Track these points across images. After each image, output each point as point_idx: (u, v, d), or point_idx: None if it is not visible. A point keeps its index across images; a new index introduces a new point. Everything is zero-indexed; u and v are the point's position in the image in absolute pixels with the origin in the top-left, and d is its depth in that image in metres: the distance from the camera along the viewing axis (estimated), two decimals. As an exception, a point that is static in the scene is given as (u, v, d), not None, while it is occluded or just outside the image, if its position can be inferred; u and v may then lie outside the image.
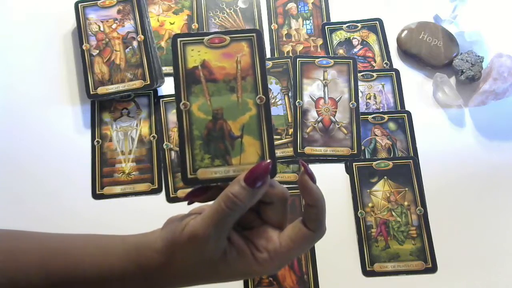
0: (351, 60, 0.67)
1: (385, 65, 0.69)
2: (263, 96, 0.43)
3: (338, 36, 0.71)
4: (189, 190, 0.42)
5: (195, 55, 0.43)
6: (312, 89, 0.66)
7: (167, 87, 0.67)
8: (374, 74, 0.68)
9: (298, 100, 0.65)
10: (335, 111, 0.65)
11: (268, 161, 0.39)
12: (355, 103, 0.65)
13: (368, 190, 0.62)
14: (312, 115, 0.65)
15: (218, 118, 0.42)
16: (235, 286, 0.58)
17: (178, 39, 0.43)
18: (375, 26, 0.71)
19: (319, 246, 0.59)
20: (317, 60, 0.67)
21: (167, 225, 0.42)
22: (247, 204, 0.38)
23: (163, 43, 0.69)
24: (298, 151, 0.64)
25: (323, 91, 0.66)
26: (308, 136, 0.64)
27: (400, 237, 0.60)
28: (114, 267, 0.42)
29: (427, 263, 0.59)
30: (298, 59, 0.67)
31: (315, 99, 0.66)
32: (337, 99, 0.66)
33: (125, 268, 0.42)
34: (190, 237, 0.39)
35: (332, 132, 0.64)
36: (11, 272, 0.42)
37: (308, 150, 0.64)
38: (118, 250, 0.43)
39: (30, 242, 0.45)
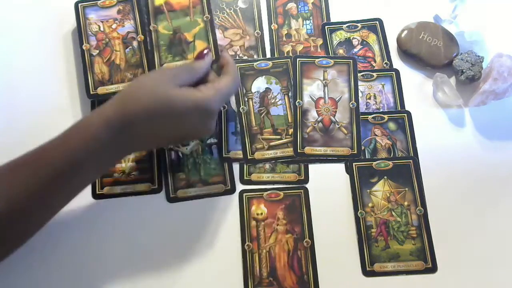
0: (351, 60, 0.67)
1: (385, 65, 0.69)
2: (208, 15, 0.64)
3: (338, 36, 0.71)
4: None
5: None
6: (312, 89, 0.66)
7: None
8: (374, 74, 0.68)
9: (298, 100, 0.65)
10: (335, 111, 0.65)
11: (206, 53, 0.60)
12: (355, 103, 0.65)
13: (368, 190, 0.62)
14: (312, 115, 0.65)
15: (177, 32, 0.64)
16: (235, 286, 0.58)
17: None
18: (375, 26, 0.71)
19: (319, 246, 0.60)
20: (317, 60, 0.67)
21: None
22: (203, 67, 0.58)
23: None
24: (298, 151, 0.63)
25: (323, 91, 0.66)
26: (308, 136, 0.64)
27: (400, 237, 0.60)
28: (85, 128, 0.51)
29: (427, 263, 0.59)
30: (298, 59, 0.67)
31: (315, 99, 0.66)
32: (337, 99, 0.66)
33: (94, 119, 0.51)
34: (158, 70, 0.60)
35: (332, 132, 0.64)
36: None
37: (308, 150, 0.63)
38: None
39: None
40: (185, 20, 0.65)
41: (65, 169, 0.49)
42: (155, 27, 0.65)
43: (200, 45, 0.63)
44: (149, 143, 0.56)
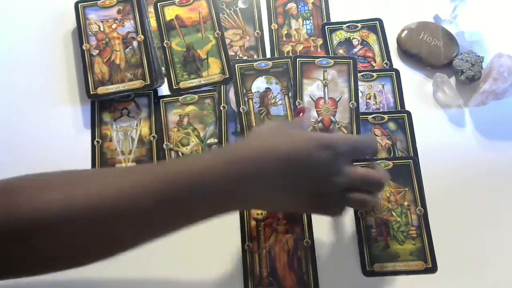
0: (351, 60, 0.67)
1: (385, 65, 0.69)
2: (219, 31, 0.68)
3: (338, 36, 0.71)
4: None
5: (170, 12, 0.69)
6: (312, 89, 0.66)
7: (167, 87, 0.67)
8: (374, 74, 0.68)
9: (298, 100, 0.65)
10: (335, 111, 0.65)
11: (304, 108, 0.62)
12: (355, 103, 0.65)
13: (368, 190, 0.62)
14: (312, 115, 0.65)
15: (190, 49, 0.68)
16: (235, 286, 0.58)
17: (158, 4, 0.69)
18: (375, 26, 0.71)
19: (319, 246, 0.60)
20: (317, 60, 0.67)
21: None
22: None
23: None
24: None
25: (323, 91, 0.66)
26: None
27: (400, 237, 0.60)
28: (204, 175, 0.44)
29: (427, 263, 0.59)
30: (298, 59, 0.67)
31: (315, 99, 0.65)
32: (337, 99, 0.65)
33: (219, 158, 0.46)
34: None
35: (332, 132, 0.64)
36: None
37: None
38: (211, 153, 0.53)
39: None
40: (197, 37, 0.68)
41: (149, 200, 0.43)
42: (168, 43, 0.67)
43: (213, 62, 0.67)
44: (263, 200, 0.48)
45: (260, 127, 0.54)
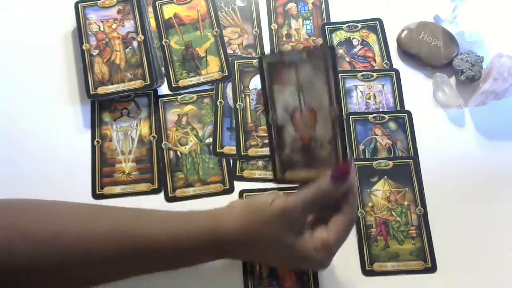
0: (329, 51, 0.48)
1: (385, 65, 0.69)
2: (218, 30, 0.68)
3: (338, 36, 0.71)
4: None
5: (169, 10, 0.69)
6: (285, 97, 0.51)
7: (166, 85, 0.67)
8: (374, 74, 0.68)
9: (271, 115, 0.51)
10: (315, 124, 0.50)
11: (350, 164, 0.47)
12: (337, 110, 0.49)
13: (368, 190, 0.62)
14: (289, 131, 0.51)
15: (189, 47, 0.67)
16: (235, 286, 0.58)
17: (157, 2, 0.70)
18: (375, 26, 0.71)
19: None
20: (286, 57, 0.51)
21: (242, 201, 0.53)
22: (331, 195, 0.47)
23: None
24: (278, 177, 0.52)
25: (299, 98, 0.50)
26: (286, 158, 0.52)
27: (399, 237, 0.60)
28: (190, 232, 0.47)
29: (427, 263, 0.59)
30: (264, 60, 0.51)
31: (290, 111, 0.51)
32: (316, 108, 0.50)
33: (203, 239, 0.47)
34: (279, 208, 0.46)
35: (314, 150, 0.51)
36: (83, 240, 0.46)
37: (289, 174, 0.52)
38: (193, 217, 0.49)
39: (99, 208, 0.50)
40: (196, 35, 0.68)
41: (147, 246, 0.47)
42: (167, 41, 0.67)
43: (212, 60, 0.67)
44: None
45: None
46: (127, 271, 0.49)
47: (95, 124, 0.65)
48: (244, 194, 0.62)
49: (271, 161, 0.52)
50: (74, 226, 0.46)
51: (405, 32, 0.70)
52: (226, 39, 0.69)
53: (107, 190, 0.62)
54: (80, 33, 0.66)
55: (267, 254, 0.49)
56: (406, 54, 0.69)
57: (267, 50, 0.69)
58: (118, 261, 0.47)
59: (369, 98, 0.67)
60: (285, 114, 0.51)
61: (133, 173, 0.63)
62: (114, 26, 0.67)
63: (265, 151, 0.63)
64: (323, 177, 0.47)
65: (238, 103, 0.65)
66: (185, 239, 0.47)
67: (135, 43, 0.66)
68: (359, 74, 0.68)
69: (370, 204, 0.61)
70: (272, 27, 0.71)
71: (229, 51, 0.69)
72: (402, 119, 0.65)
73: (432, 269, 0.59)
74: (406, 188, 0.62)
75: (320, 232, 0.48)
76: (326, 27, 0.71)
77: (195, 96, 0.66)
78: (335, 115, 0.49)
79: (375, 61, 0.69)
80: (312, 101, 0.50)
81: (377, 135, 0.65)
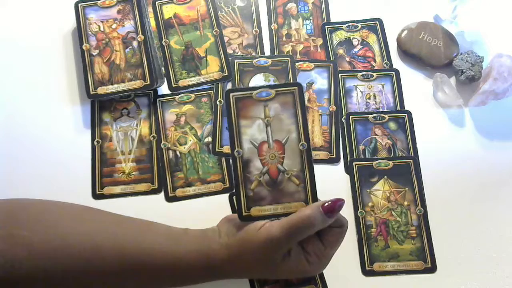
0: (296, 88, 0.52)
1: (385, 65, 0.69)
2: (217, 29, 0.68)
3: (338, 36, 0.71)
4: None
5: (169, 10, 0.69)
6: (252, 132, 0.52)
7: (166, 85, 0.67)
8: (374, 74, 0.68)
9: (236, 149, 0.52)
10: (283, 157, 0.52)
11: (343, 200, 0.49)
12: (305, 143, 0.52)
13: (368, 190, 0.62)
14: (256, 165, 0.52)
15: (188, 47, 0.67)
16: (242, 285, 0.58)
17: (156, 2, 0.69)
18: (375, 26, 0.71)
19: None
20: (254, 92, 0.53)
21: (232, 224, 0.51)
22: (320, 227, 0.49)
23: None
24: (244, 214, 0.51)
25: (266, 132, 0.52)
26: (253, 193, 0.51)
27: (399, 237, 0.60)
28: (182, 256, 0.49)
29: (427, 263, 0.59)
30: (231, 94, 0.52)
31: (257, 145, 0.52)
32: (283, 141, 0.52)
33: (193, 258, 0.49)
34: (266, 238, 0.47)
35: (282, 185, 0.52)
36: (87, 252, 0.47)
37: (255, 211, 0.51)
38: (186, 241, 0.50)
39: (101, 221, 0.51)
40: (196, 35, 0.68)
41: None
42: (167, 41, 0.67)
43: (212, 60, 0.67)
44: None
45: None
46: (128, 286, 0.50)
47: (95, 124, 0.65)
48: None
49: (236, 198, 0.52)
50: (76, 239, 0.47)
51: (405, 32, 0.70)
52: (226, 39, 0.69)
53: (107, 190, 0.62)
54: (80, 33, 0.66)
55: (261, 274, 0.53)
56: (406, 54, 0.69)
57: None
58: (119, 277, 0.48)
59: (369, 98, 0.67)
60: (252, 148, 0.52)
61: (133, 173, 0.63)
62: (114, 26, 0.67)
63: None
64: (296, 211, 0.49)
65: None
66: (178, 259, 0.49)
67: (135, 43, 0.66)
68: (359, 74, 0.68)
69: (370, 204, 0.61)
70: (272, 27, 0.71)
71: (229, 51, 0.69)
72: (402, 119, 0.65)
73: (432, 269, 0.59)
74: (406, 188, 0.62)
75: (312, 244, 0.51)
76: (326, 27, 0.71)
77: (193, 95, 0.66)
78: (303, 148, 0.52)
79: (375, 61, 0.69)
80: (280, 135, 0.52)
81: (377, 135, 0.65)
